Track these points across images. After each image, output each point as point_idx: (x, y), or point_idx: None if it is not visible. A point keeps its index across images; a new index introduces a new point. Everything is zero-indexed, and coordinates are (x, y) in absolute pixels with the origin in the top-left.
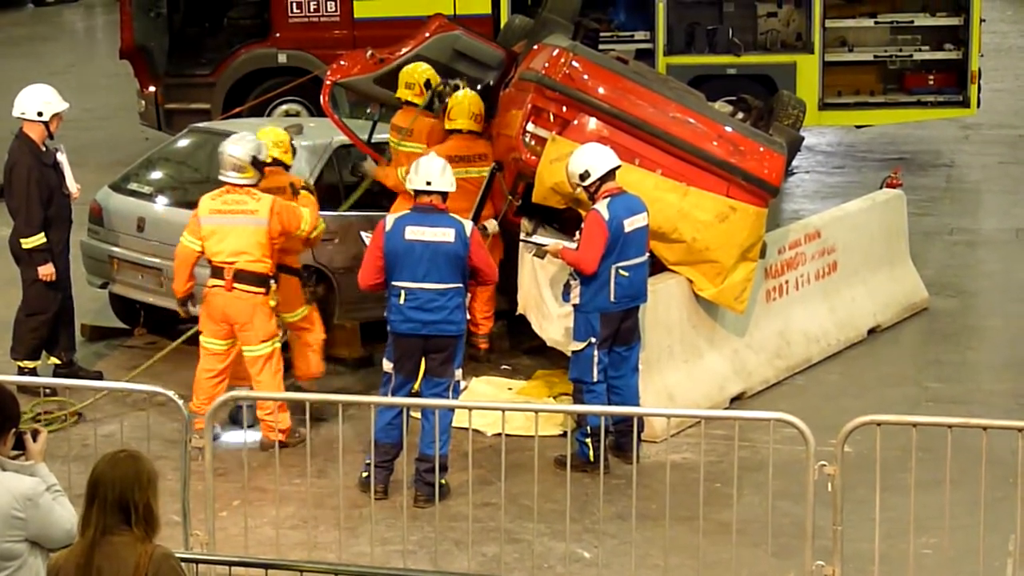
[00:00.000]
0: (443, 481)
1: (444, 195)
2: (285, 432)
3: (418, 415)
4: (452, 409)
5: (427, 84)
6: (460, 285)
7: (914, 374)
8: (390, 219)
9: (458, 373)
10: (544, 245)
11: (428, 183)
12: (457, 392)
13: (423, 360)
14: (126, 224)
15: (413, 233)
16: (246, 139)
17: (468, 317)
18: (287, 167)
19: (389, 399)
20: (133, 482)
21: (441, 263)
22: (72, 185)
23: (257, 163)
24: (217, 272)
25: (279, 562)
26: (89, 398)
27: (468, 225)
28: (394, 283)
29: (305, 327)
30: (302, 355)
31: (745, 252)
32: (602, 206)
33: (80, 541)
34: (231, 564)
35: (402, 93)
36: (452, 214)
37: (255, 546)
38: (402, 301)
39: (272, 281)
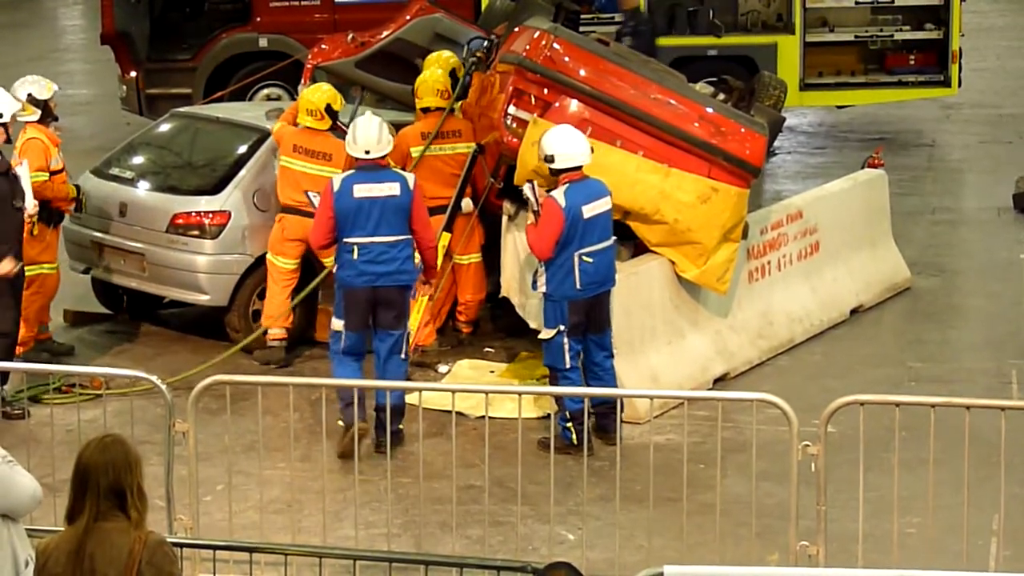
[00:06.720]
0: (400, 426)
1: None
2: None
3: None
4: (407, 361)
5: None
6: (409, 237)
7: (897, 353)
8: (337, 180)
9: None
10: (535, 202)
11: (367, 152)
12: (408, 342)
13: (372, 316)
14: (108, 209)
15: (362, 191)
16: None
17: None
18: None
19: (373, 383)
20: (124, 466)
21: (390, 216)
22: (29, 201)
23: (35, 101)
24: None
25: (264, 546)
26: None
27: (411, 178)
28: (346, 240)
29: None
30: None
31: (727, 233)
32: (559, 193)
33: (71, 529)
34: (216, 548)
35: (431, 101)
36: (395, 169)
37: (239, 530)
38: (355, 256)
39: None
